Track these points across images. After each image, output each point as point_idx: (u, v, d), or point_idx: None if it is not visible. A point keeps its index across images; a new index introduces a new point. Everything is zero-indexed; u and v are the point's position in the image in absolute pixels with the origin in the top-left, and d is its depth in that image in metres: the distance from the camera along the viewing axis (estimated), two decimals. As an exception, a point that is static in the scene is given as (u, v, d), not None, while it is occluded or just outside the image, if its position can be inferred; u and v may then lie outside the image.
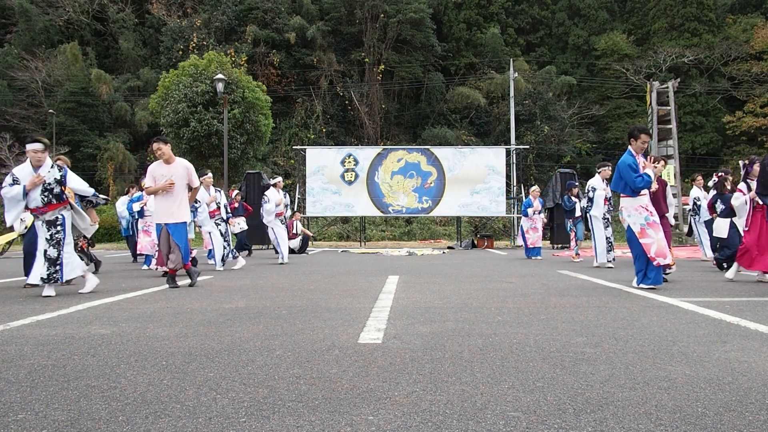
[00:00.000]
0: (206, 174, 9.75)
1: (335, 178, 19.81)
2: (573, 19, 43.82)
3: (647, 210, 6.06)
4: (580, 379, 2.52)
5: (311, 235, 18.65)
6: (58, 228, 5.88)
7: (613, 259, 9.89)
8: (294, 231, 15.66)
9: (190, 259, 7.10)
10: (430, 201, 19.80)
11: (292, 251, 15.52)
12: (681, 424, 1.96)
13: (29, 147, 5.81)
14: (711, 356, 2.96)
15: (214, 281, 7.37)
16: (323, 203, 19.84)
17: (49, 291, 5.71)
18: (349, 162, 19.90)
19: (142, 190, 9.93)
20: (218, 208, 9.92)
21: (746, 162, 7.48)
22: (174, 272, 6.68)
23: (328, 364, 2.81)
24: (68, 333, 3.67)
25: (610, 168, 9.78)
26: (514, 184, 21.76)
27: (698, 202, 10.90)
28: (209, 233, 9.65)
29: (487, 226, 25.21)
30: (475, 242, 20.12)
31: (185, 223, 6.80)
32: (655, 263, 6.00)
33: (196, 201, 9.30)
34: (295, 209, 18.48)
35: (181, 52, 34.01)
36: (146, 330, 3.77)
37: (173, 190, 6.67)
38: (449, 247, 19.78)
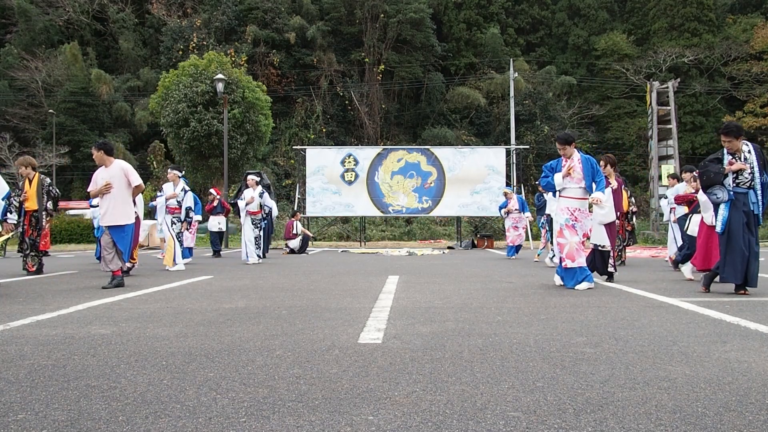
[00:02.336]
0: (170, 171, 10.06)
1: (335, 178, 19.80)
2: (573, 19, 43.83)
3: (569, 211, 6.28)
4: (580, 379, 2.52)
5: (311, 235, 18.65)
6: None
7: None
8: (294, 231, 15.65)
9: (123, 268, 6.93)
10: (430, 201, 19.80)
11: (292, 251, 15.53)
12: (681, 424, 1.96)
13: None
14: (711, 356, 2.96)
15: (214, 281, 7.37)
16: (323, 203, 19.83)
17: None
18: (349, 162, 19.90)
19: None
20: (179, 206, 9.89)
21: None
22: (118, 273, 6.62)
23: (328, 364, 2.81)
24: (68, 333, 3.67)
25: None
26: (514, 184, 21.74)
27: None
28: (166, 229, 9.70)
29: (487, 226, 25.19)
30: (475, 242, 20.12)
31: (128, 225, 6.80)
32: (563, 264, 6.30)
33: (159, 190, 9.57)
34: (296, 209, 18.49)
35: (181, 52, 34.01)
36: (146, 330, 3.77)
37: (112, 192, 6.69)
38: (449, 247, 19.78)
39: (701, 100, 39.04)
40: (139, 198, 8.69)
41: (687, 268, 7.32)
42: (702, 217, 6.99)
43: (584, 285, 6.12)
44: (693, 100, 38.83)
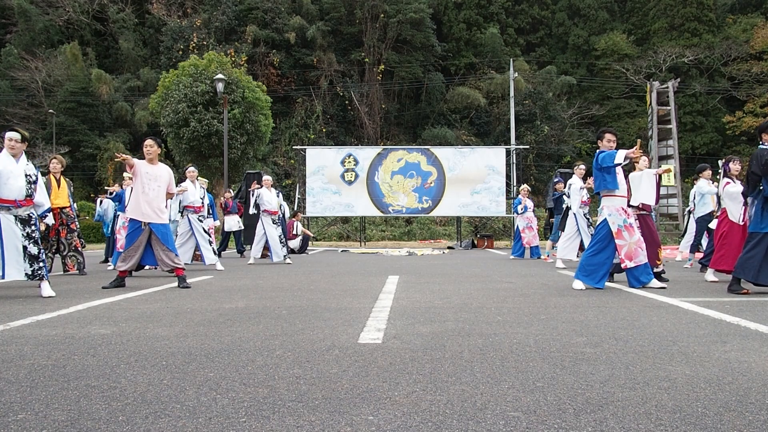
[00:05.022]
0: (188, 168, 9.95)
1: (335, 178, 19.82)
2: (573, 19, 43.80)
3: (626, 212, 6.22)
4: (580, 379, 2.52)
5: (311, 235, 18.65)
6: (33, 228, 5.71)
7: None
8: (294, 231, 15.66)
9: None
10: (430, 201, 19.81)
11: (292, 251, 15.54)
12: (681, 424, 1.96)
13: (7, 135, 5.67)
14: (711, 356, 2.96)
15: (214, 281, 7.37)
16: (323, 203, 19.84)
17: (49, 291, 5.67)
18: (349, 162, 19.91)
19: (122, 188, 9.97)
20: (202, 205, 9.81)
21: (723, 161, 7.57)
22: (181, 272, 6.65)
23: (328, 364, 2.81)
24: (68, 333, 3.67)
25: (584, 166, 10.00)
26: (514, 184, 21.75)
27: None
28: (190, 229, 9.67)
29: (487, 226, 25.22)
30: (475, 242, 20.13)
31: (168, 224, 6.88)
32: (623, 265, 6.25)
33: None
34: (296, 209, 18.50)
35: (181, 52, 33.99)
36: (146, 330, 3.77)
37: (157, 192, 6.68)
38: (449, 247, 19.78)
39: (701, 100, 39.03)
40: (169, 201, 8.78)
41: (710, 272, 7.17)
42: (740, 211, 6.71)
43: (655, 283, 6.15)
44: (693, 100, 38.82)
